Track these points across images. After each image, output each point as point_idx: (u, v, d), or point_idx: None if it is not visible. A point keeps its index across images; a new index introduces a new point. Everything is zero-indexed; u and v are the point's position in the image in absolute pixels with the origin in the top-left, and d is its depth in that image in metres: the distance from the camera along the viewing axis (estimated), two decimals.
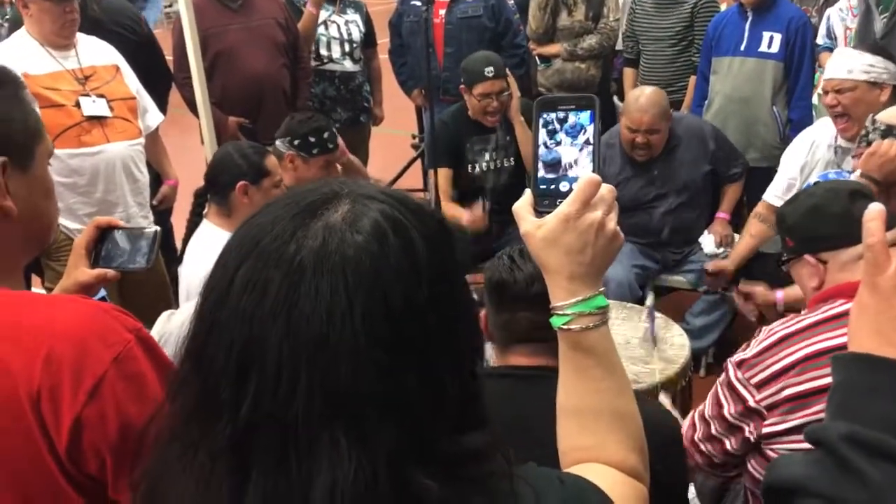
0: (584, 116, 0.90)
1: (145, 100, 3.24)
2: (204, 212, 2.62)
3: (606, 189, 0.85)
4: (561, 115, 0.91)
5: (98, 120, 2.94)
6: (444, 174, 3.51)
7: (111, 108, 2.98)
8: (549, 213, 0.86)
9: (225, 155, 2.61)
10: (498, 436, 0.72)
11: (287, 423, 0.64)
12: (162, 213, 3.52)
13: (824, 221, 1.82)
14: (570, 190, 0.86)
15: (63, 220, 2.94)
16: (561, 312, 0.86)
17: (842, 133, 2.88)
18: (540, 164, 0.91)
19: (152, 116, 3.30)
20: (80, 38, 3.05)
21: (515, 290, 1.52)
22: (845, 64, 2.81)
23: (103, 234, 1.38)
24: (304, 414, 0.64)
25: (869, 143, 2.29)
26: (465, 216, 3.45)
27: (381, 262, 0.67)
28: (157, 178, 3.40)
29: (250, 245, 0.68)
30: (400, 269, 0.67)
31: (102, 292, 1.49)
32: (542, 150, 0.91)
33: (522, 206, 0.89)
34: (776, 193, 3.15)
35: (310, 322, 0.64)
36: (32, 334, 0.97)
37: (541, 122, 0.91)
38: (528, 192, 0.90)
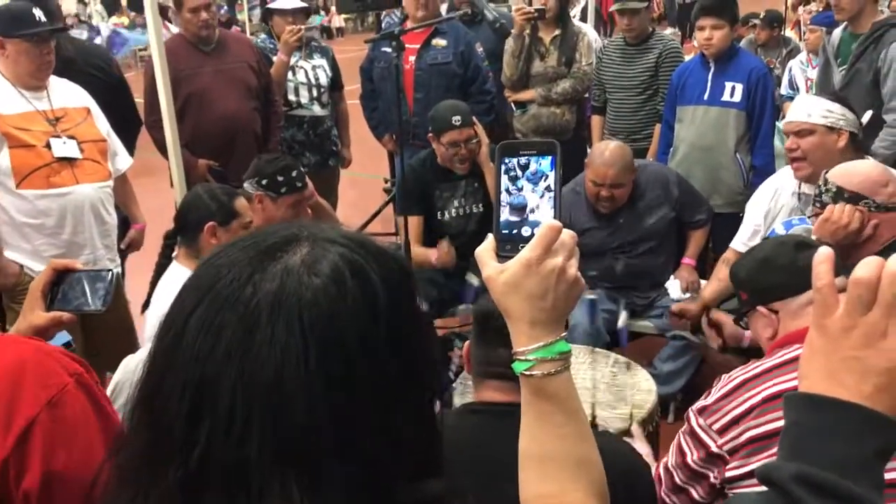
0: (546, 163, 0.90)
1: (115, 143, 3.23)
2: (174, 254, 2.61)
3: (567, 235, 0.85)
4: (523, 160, 0.91)
5: (68, 161, 2.92)
6: (414, 222, 3.52)
7: (81, 150, 2.96)
8: (510, 257, 0.86)
9: (194, 196, 2.60)
10: (456, 482, 0.71)
11: (239, 469, 0.63)
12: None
13: (772, 273, 1.89)
14: (532, 235, 0.86)
15: (28, 262, 2.91)
16: (523, 358, 0.85)
17: (796, 174, 2.95)
18: (503, 209, 0.91)
19: (122, 160, 3.29)
20: (52, 79, 3.05)
21: (499, 323, 1.53)
22: (805, 108, 2.88)
23: (60, 276, 1.37)
24: (256, 459, 0.63)
25: (822, 205, 2.34)
26: (432, 255, 3.47)
27: (338, 304, 0.66)
28: (124, 222, 3.37)
29: (206, 287, 0.68)
30: (358, 312, 0.67)
31: (67, 336, 1.48)
32: (503, 195, 0.91)
33: (485, 251, 0.88)
34: (743, 241, 3.20)
35: (264, 365, 0.64)
36: None
37: (502, 167, 0.91)
38: (490, 237, 0.89)
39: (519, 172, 0.91)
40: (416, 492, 0.67)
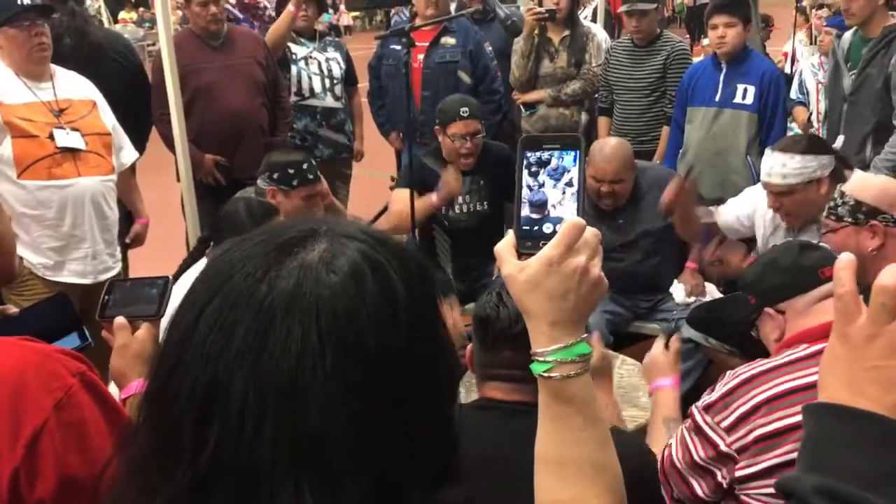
0: (568, 158, 0.88)
1: (121, 137, 3.19)
2: (203, 256, 2.59)
3: (591, 233, 0.83)
4: (545, 155, 0.89)
5: (71, 153, 2.88)
6: (404, 193, 3.43)
7: (85, 142, 2.93)
8: (532, 254, 0.83)
9: (234, 211, 2.55)
10: (471, 489, 0.69)
11: (250, 471, 0.61)
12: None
13: (777, 273, 1.89)
14: (554, 232, 0.83)
15: (26, 254, 2.88)
16: (542, 359, 0.83)
17: (788, 225, 2.93)
18: (524, 204, 0.88)
19: (127, 154, 3.25)
20: (58, 71, 3.02)
21: (498, 327, 1.54)
22: (779, 170, 2.78)
23: (111, 285, 1.40)
24: (267, 462, 0.61)
25: (838, 218, 2.32)
26: (433, 196, 3.41)
27: (357, 304, 0.64)
28: (127, 216, 3.34)
29: (220, 282, 0.66)
30: (377, 313, 0.64)
31: (77, 340, 1.46)
32: (525, 190, 0.88)
33: (505, 248, 0.86)
34: (725, 210, 3.24)
35: (278, 366, 0.61)
36: None
37: (524, 161, 0.89)
38: (510, 233, 0.87)
39: (541, 168, 0.88)
40: (432, 500, 0.66)
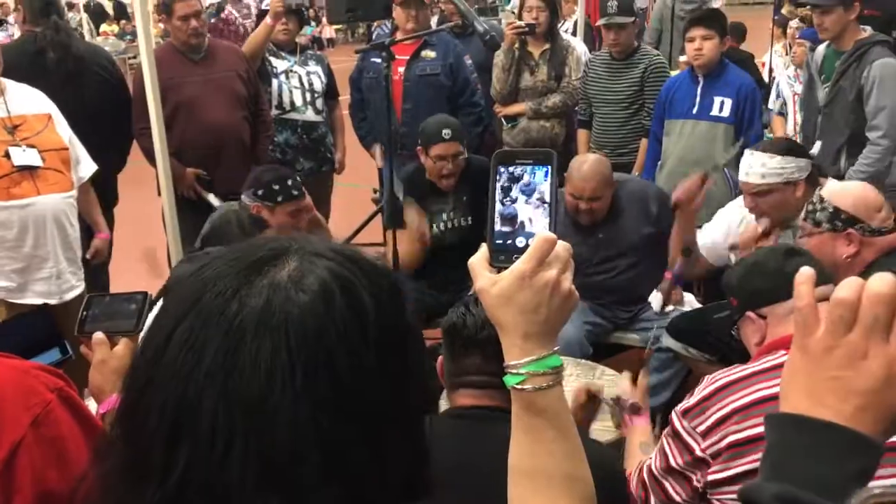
0: (541, 173, 0.89)
1: (78, 149, 3.07)
2: None
3: (562, 247, 0.84)
4: (518, 170, 0.89)
5: (29, 171, 2.77)
6: (403, 235, 3.47)
7: (43, 159, 2.80)
8: (505, 268, 0.84)
9: (226, 223, 2.55)
10: (445, 501, 0.70)
11: (220, 493, 0.61)
12: (96, 268, 3.38)
13: (761, 278, 1.91)
14: (527, 246, 0.85)
15: None
16: (514, 371, 0.84)
17: (760, 224, 2.95)
18: (497, 218, 0.89)
19: (85, 167, 3.12)
20: (8, 85, 2.90)
21: (466, 333, 1.57)
22: (758, 169, 2.84)
23: (89, 300, 1.39)
24: (237, 480, 0.61)
25: (816, 223, 2.35)
26: (402, 243, 3.38)
27: (326, 322, 0.65)
28: (87, 230, 3.22)
29: (191, 300, 0.66)
30: (346, 331, 0.65)
31: (57, 354, 1.45)
32: (498, 205, 0.89)
33: (478, 262, 0.87)
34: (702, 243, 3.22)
35: (248, 385, 0.62)
36: None
37: (497, 176, 0.90)
38: (483, 247, 0.88)
39: (513, 183, 0.89)
40: None
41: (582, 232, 3.38)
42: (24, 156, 2.77)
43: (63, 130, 2.99)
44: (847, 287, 0.73)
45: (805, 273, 0.77)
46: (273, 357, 0.62)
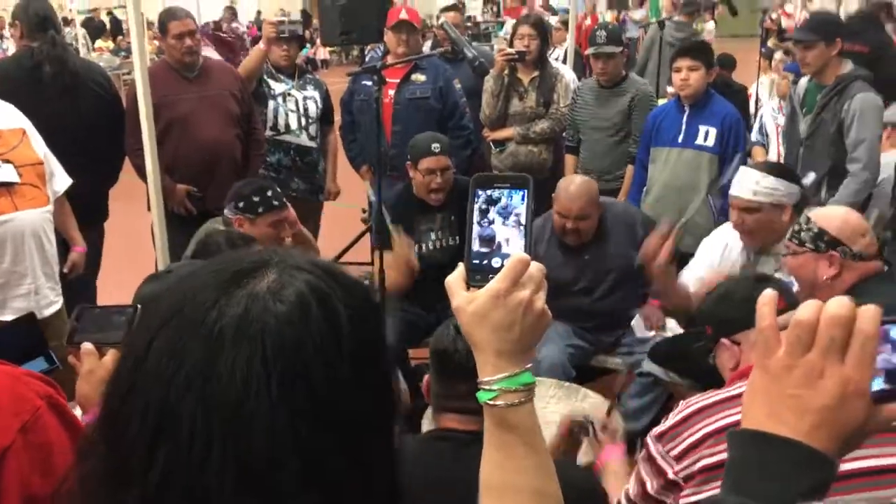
0: (517, 197, 0.92)
1: (52, 164, 3.02)
2: None
3: (535, 268, 0.86)
4: (495, 193, 0.93)
5: (6, 187, 2.73)
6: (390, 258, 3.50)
7: (19, 174, 2.76)
8: (481, 287, 0.87)
9: (212, 241, 2.54)
10: None
11: (200, 494, 0.63)
12: (82, 282, 3.34)
13: (733, 306, 1.94)
14: (502, 266, 0.87)
15: None
16: (487, 388, 0.86)
17: (746, 244, 3.02)
18: (475, 239, 0.92)
19: (59, 181, 3.07)
20: None
21: (456, 359, 1.59)
22: (751, 186, 2.91)
23: (80, 311, 1.41)
24: (217, 485, 0.63)
25: (800, 242, 2.40)
26: (390, 271, 3.38)
27: (302, 332, 0.66)
28: (62, 244, 3.16)
29: (172, 310, 0.68)
30: (322, 341, 0.67)
31: (44, 363, 1.46)
32: (475, 226, 0.92)
33: (455, 281, 0.89)
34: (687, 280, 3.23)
35: (225, 391, 0.64)
36: None
37: (475, 199, 0.93)
38: (461, 266, 0.90)
39: (490, 206, 0.93)
40: None
41: (569, 253, 3.42)
42: (0, 172, 2.74)
43: (38, 145, 2.95)
44: (806, 309, 0.76)
45: (767, 295, 0.81)
46: (248, 364, 0.64)
